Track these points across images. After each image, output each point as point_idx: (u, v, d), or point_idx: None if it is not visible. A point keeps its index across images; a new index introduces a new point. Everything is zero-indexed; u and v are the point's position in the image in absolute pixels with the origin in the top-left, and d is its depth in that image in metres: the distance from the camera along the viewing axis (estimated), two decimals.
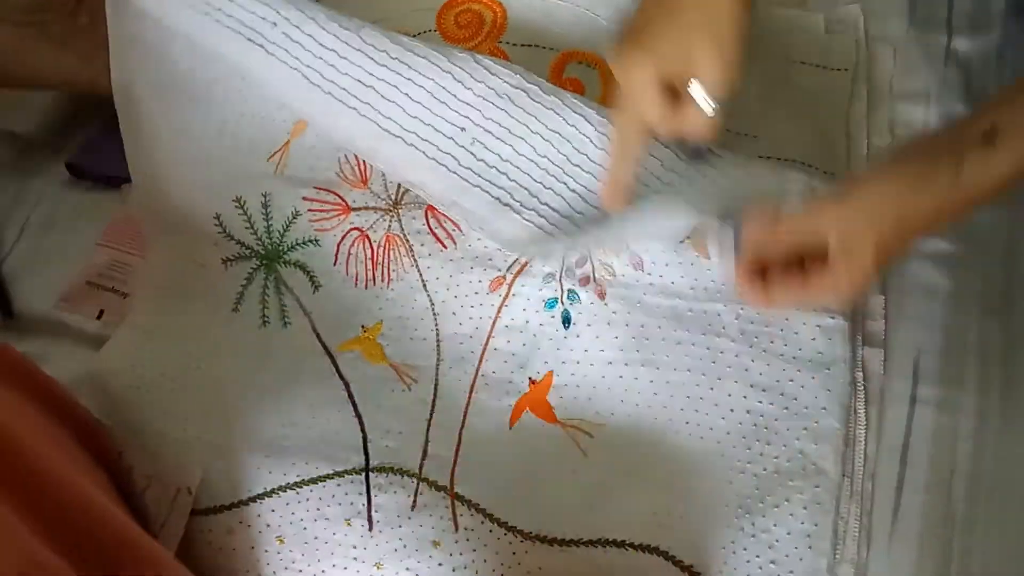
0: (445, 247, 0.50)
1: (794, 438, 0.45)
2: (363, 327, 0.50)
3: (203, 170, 0.53)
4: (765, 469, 0.44)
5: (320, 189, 0.52)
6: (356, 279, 0.51)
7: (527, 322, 0.48)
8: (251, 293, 0.51)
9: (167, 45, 0.54)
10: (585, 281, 0.48)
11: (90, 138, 0.60)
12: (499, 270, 0.49)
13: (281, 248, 0.52)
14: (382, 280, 0.50)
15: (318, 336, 0.50)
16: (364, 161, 0.52)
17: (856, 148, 0.54)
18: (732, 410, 0.45)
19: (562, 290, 0.48)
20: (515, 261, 0.49)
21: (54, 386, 0.43)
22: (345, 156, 0.52)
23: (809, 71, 0.57)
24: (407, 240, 0.50)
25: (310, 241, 0.52)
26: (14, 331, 0.54)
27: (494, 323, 0.49)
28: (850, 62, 0.57)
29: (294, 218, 0.52)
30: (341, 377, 0.48)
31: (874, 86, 0.57)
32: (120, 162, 0.55)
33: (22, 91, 0.61)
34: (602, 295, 0.48)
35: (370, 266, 0.51)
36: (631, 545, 0.43)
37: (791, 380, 0.45)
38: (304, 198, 0.52)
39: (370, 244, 0.51)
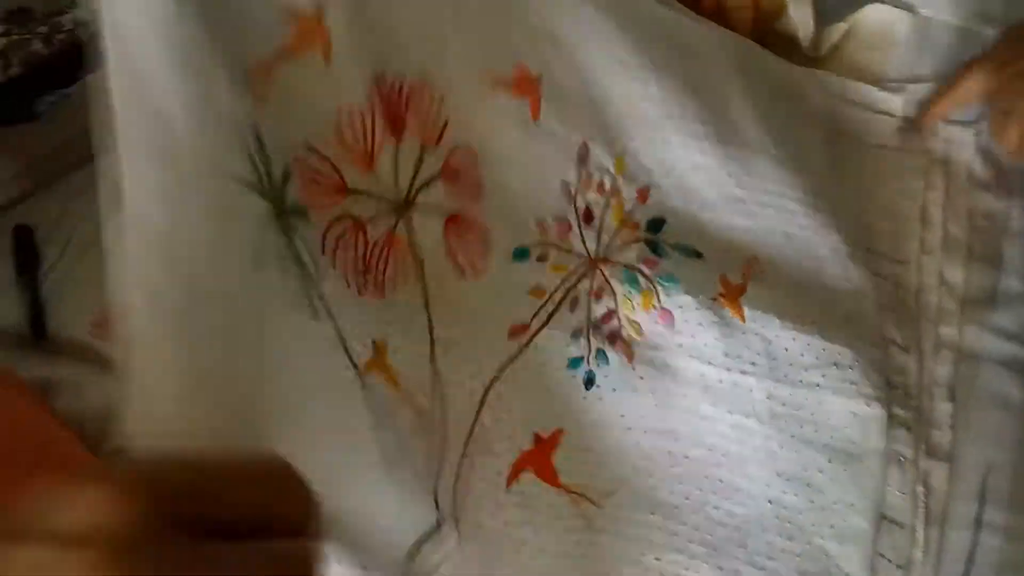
0: (465, 278, 0.42)
1: (817, 535, 0.41)
2: (373, 340, 0.38)
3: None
4: (785, 567, 0.41)
5: (313, 150, 0.37)
6: (347, 281, 0.38)
7: (541, 374, 0.43)
8: (267, 241, 0.32)
9: None
10: (613, 338, 0.44)
11: None
12: (523, 317, 0.43)
13: (286, 193, 0.34)
14: (376, 291, 0.39)
15: (345, 348, 0.36)
16: (374, 127, 0.38)
17: (931, 236, 0.51)
18: (753, 497, 0.42)
19: (590, 349, 0.44)
20: (541, 308, 0.44)
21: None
22: (349, 109, 0.38)
23: (885, 153, 0.53)
24: (416, 254, 0.40)
25: (302, 211, 0.36)
26: (45, 353, 0.53)
27: (503, 367, 0.43)
28: (927, 146, 0.53)
29: (286, 179, 0.35)
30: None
31: (952, 171, 0.53)
32: None
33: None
34: (630, 357, 0.44)
35: (361, 266, 0.39)
36: None
37: (819, 471, 0.42)
38: (295, 157, 0.35)
39: (364, 239, 0.39)
